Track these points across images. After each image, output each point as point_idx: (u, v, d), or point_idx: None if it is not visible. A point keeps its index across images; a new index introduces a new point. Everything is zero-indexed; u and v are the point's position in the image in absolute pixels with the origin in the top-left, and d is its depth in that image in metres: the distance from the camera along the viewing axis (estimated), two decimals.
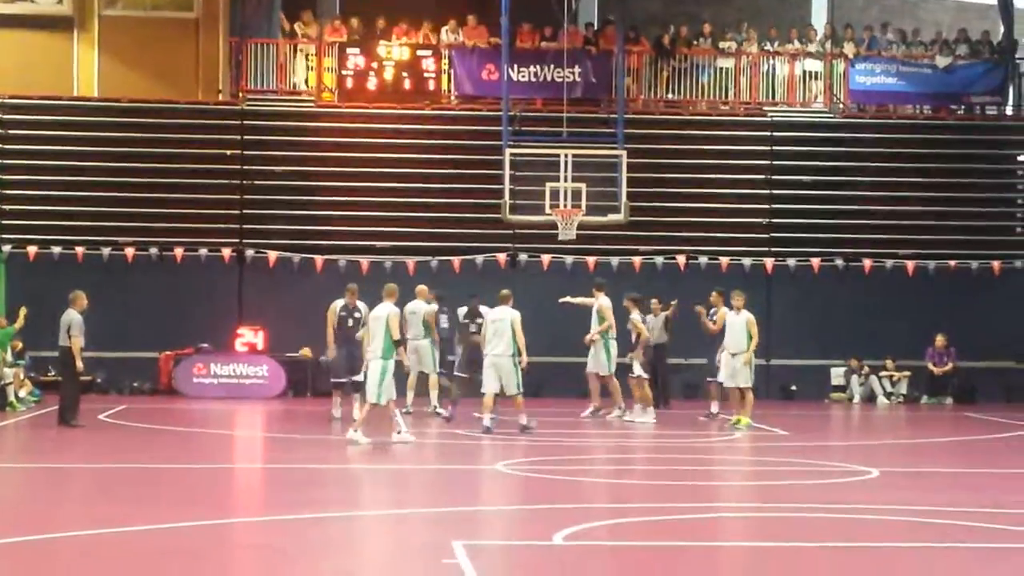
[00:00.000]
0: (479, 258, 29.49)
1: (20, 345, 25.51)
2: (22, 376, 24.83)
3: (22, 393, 24.49)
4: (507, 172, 26.99)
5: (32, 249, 28.72)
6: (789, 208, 30.49)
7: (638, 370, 23.32)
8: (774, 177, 30.62)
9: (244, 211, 29.76)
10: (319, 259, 29.13)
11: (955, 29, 33.33)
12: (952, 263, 30.06)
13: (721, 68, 31.31)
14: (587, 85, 30.36)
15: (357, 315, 22.09)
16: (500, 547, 11.87)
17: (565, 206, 26.62)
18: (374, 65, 30.11)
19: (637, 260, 29.55)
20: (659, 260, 29.73)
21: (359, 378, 22.00)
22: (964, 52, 31.83)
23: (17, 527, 12.09)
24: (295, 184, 29.80)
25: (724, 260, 29.68)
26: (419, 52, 30.37)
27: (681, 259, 29.67)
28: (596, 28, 32.66)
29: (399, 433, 19.10)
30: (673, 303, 25.62)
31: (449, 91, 30.81)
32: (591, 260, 29.16)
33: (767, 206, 30.56)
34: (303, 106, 30.44)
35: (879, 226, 30.42)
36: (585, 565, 11.09)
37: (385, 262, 28.97)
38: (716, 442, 20.92)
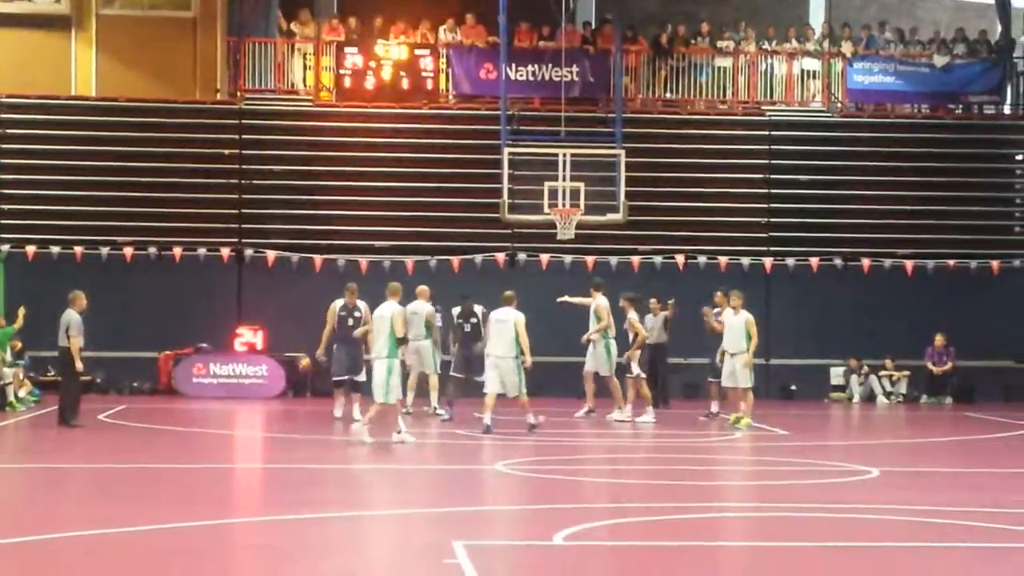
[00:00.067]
0: (478, 257, 29.50)
1: (19, 345, 25.49)
2: (22, 376, 24.82)
3: (22, 393, 24.49)
4: (505, 171, 26.97)
5: (31, 249, 28.71)
6: (788, 207, 30.50)
7: (636, 369, 23.34)
8: (772, 176, 30.63)
9: (243, 211, 29.75)
10: (318, 258, 29.13)
11: (953, 28, 33.36)
12: (951, 262, 30.08)
13: (719, 67, 31.33)
14: (585, 84, 30.38)
15: (357, 314, 22.08)
16: (501, 547, 11.87)
17: (563, 205, 26.60)
18: (372, 64, 30.11)
19: (636, 259, 29.55)
20: (658, 259, 29.74)
21: (360, 378, 22.09)
22: (962, 51, 31.85)
23: (17, 527, 12.08)
24: (293, 183, 29.80)
25: (723, 260, 29.68)
26: (417, 51, 30.38)
27: (680, 259, 29.67)
28: (594, 27, 32.66)
29: (399, 433, 19.11)
30: (671, 302, 25.63)
31: (447, 90, 30.81)
32: (590, 259, 29.16)
33: (766, 205, 30.57)
34: (301, 105, 30.44)
35: (878, 225, 30.43)
36: (585, 565, 11.09)
37: (384, 262, 28.97)
38: (716, 442, 20.93)
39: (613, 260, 29.39)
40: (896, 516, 13.39)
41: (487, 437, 20.02)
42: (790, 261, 30.05)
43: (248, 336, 28.41)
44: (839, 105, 31.60)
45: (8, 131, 29.65)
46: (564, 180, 26.56)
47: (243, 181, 29.86)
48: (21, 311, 24.32)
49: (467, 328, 23.29)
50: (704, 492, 15.38)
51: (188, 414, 24.60)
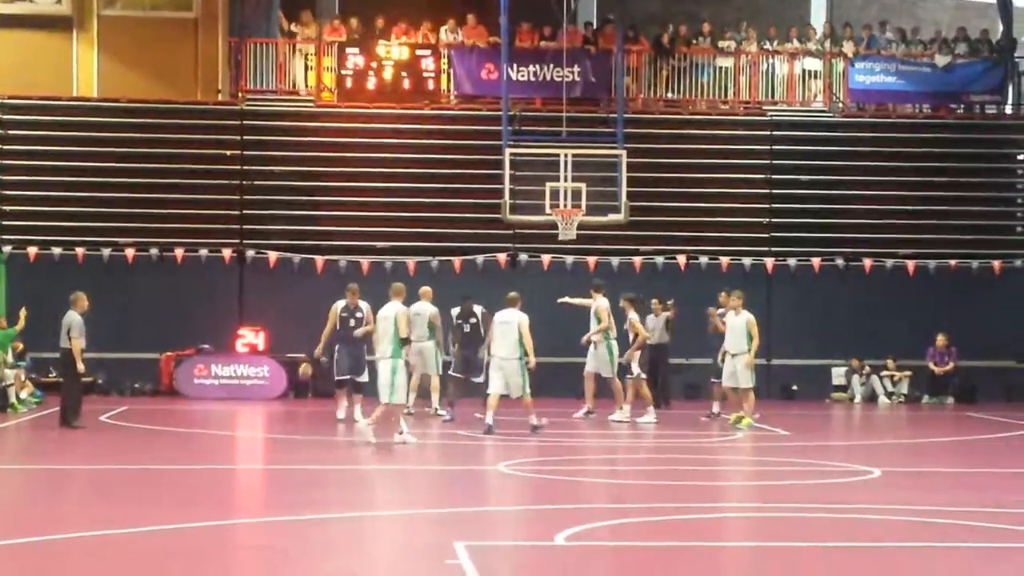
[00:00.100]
0: (479, 258, 29.49)
1: (21, 346, 25.50)
2: (23, 377, 24.82)
3: (23, 395, 24.50)
4: (507, 172, 26.98)
5: (32, 250, 28.72)
6: (789, 207, 30.49)
7: (635, 370, 23.34)
8: (774, 176, 30.62)
9: (244, 211, 29.76)
10: (319, 259, 29.12)
11: (954, 28, 33.35)
12: (952, 262, 30.07)
13: (720, 67, 31.32)
14: (586, 84, 30.37)
15: (359, 315, 22.08)
16: (502, 548, 11.87)
17: (565, 206, 26.60)
18: (373, 65, 30.11)
19: (637, 260, 29.55)
20: (659, 260, 29.73)
21: (362, 379, 22.09)
22: (963, 51, 31.84)
23: (19, 529, 12.09)
24: (295, 184, 29.80)
25: (724, 260, 29.68)
26: (418, 52, 30.38)
27: (681, 259, 29.66)
28: (595, 27, 32.66)
29: (401, 434, 19.11)
30: (670, 303, 25.63)
31: (448, 91, 30.81)
32: (591, 260, 29.16)
33: (767, 205, 30.56)
34: (302, 106, 30.44)
35: (879, 225, 30.42)
36: (587, 566, 11.09)
37: (385, 262, 28.97)
38: (717, 442, 20.92)
39: (615, 260, 29.38)
40: (898, 516, 13.38)
41: (488, 438, 20.01)
42: (792, 261, 30.05)
43: (249, 337, 28.41)
44: (840, 105, 31.60)
45: (10, 132, 29.65)
46: (565, 180, 26.56)
47: (244, 182, 29.87)
48: (22, 312, 24.34)
49: (467, 328, 23.31)
50: (705, 492, 15.38)
51: (189, 415, 24.61)
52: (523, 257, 29.68)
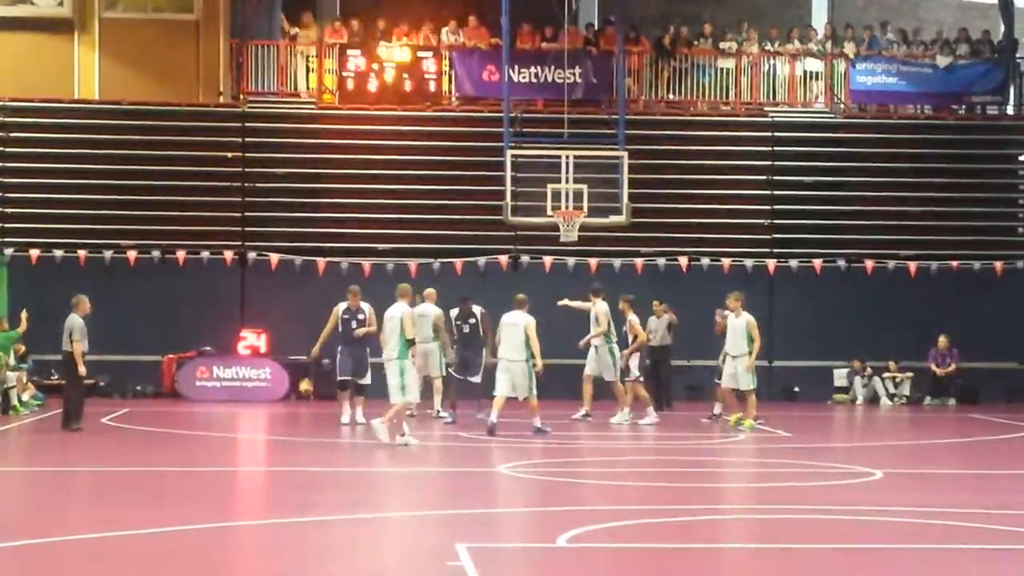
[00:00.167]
0: (481, 260, 29.49)
1: (23, 349, 25.48)
2: (25, 380, 24.83)
3: (25, 397, 24.51)
4: (508, 174, 26.97)
5: (34, 252, 28.72)
6: (791, 209, 30.49)
7: (634, 372, 23.35)
8: (775, 178, 30.61)
9: (246, 213, 29.76)
10: (321, 261, 29.12)
11: (956, 28, 33.33)
12: (954, 264, 30.06)
13: (722, 68, 31.31)
14: (588, 86, 30.35)
15: (361, 317, 22.11)
16: (504, 549, 11.87)
17: (566, 208, 26.58)
18: (375, 67, 30.11)
19: (639, 261, 29.54)
20: (661, 261, 29.71)
21: (364, 381, 22.10)
22: (965, 52, 31.82)
23: (21, 530, 12.10)
24: (297, 186, 29.80)
25: (726, 261, 29.67)
26: (420, 53, 30.37)
27: (683, 260, 29.65)
28: (596, 29, 32.65)
29: (402, 436, 19.11)
30: (662, 305, 25.62)
31: (450, 92, 30.81)
32: (593, 262, 29.15)
33: (769, 207, 30.56)
34: (304, 108, 30.44)
35: (881, 226, 30.40)
36: (589, 567, 11.09)
37: (387, 264, 28.98)
38: (719, 444, 20.91)
39: (616, 262, 29.38)
40: (899, 518, 13.38)
41: (490, 440, 20.00)
42: (793, 263, 30.03)
43: (251, 339, 28.41)
44: (842, 106, 31.59)
45: (11, 134, 29.66)
46: (567, 182, 26.53)
47: (246, 184, 29.87)
48: (24, 315, 24.35)
49: (466, 329, 23.33)
50: (707, 494, 15.38)
51: (191, 417, 24.62)
52: (525, 259, 29.68)
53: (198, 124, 29.91)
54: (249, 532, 12.63)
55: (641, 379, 23.54)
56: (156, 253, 29.02)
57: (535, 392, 20.85)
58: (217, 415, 25.10)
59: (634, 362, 23.38)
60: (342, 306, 22.31)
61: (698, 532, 12.78)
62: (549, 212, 26.68)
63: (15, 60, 29.67)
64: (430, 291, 23.65)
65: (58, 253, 28.75)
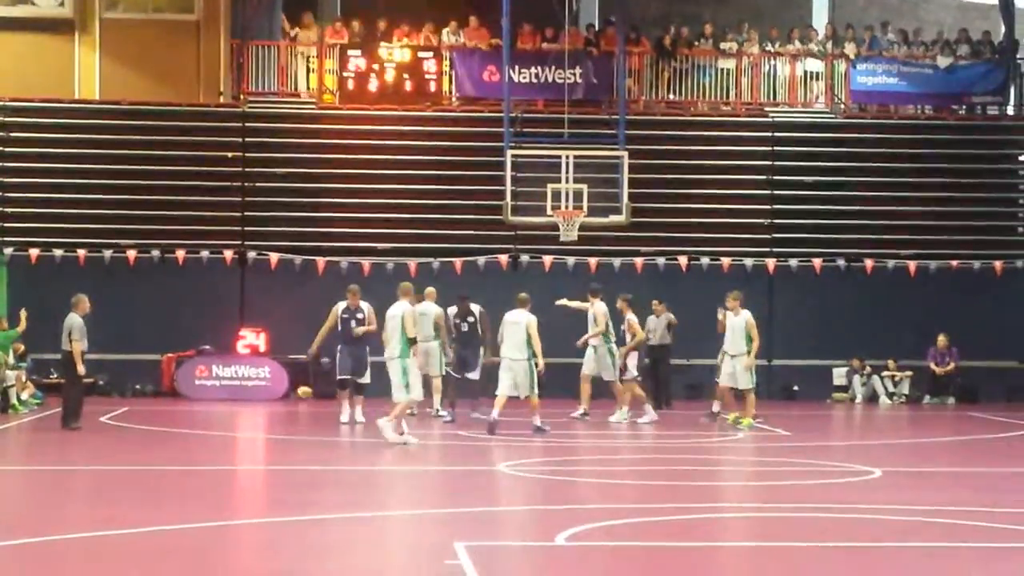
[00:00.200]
0: (481, 259, 29.50)
1: (22, 348, 25.50)
2: (24, 379, 24.85)
3: (24, 396, 24.52)
4: (508, 173, 26.98)
5: (34, 252, 28.73)
6: (791, 208, 30.49)
7: (632, 371, 23.36)
8: (775, 178, 30.62)
9: (246, 213, 29.77)
10: (321, 261, 29.13)
11: (956, 29, 33.33)
12: (954, 263, 30.06)
13: (722, 69, 31.31)
14: (588, 86, 30.35)
15: (360, 316, 22.13)
16: (502, 548, 11.87)
17: (567, 207, 26.59)
18: (375, 67, 30.11)
19: (639, 261, 29.54)
20: (661, 261, 29.72)
21: (364, 380, 22.12)
22: (965, 52, 31.81)
23: (20, 529, 12.10)
24: (297, 186, 29.81)
25: (726, 261, 29.67)
26: (420, 54, 30.38)
27: (683, 260, 29.66)
28: (597, 29, 32.64)
29: (402, 434, 19.12)
30: (658, 305, 25.65)
31: (450, 92, 30.82)
32: (593, 261, 29.16)
33: (769, 207, 30.56)
34: (304, 108, 30.45)
35: (881, 226, 30.41)
36: (588, 566, 11.09)
37: (387, 264, 28.99)
38: (718, 443, 20.92)
39: (616, 262, 29.38)
40: (898, 516, 13.38)
41: (489, 438, 20.01)
42: (793, 262, 30.04)
43: (251, 338, 28.42)
44: (842, 106, 31.59)
45: (12, 134, 29.67)
46: (567, 182, 26.55)
47: (246, 184, 29.87)
48: (24, 314, 24.36)
49: (464, 327, 23.37)
50: (706, 493, 15.39)
51: (191, 416, 24.62)
52: (524, 258, 29.69)
53: (198, 124, 29.92)
54: (248, 531, 12.64)
55: (639, 378, 23.56)
56: (156, 252, 29.03)
57: (536, 391, 20.87)
58: (216, 414, 25.11)
59: (632, 361, 23.40)
60: (341, 305, 22.33)
61: (697, 530, 12.78)
62: (549, 212, 26.70)
63: (16, 60, 29.68)
64: (431, 290, 23.67)
65: (58, 252, 28.76)
